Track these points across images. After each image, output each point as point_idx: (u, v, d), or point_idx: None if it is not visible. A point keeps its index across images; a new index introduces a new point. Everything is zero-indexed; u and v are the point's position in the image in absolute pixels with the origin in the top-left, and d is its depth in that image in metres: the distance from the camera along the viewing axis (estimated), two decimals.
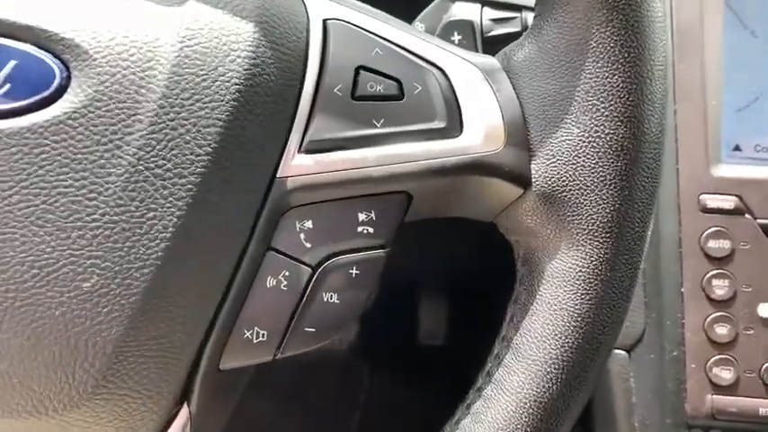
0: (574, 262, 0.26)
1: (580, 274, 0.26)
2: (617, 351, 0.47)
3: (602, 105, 0.26)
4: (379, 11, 0.30)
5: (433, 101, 0.27)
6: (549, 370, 0.26)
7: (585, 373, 0.27)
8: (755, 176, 0.46)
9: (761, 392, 0.46)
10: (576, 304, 0.26)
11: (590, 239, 0.26)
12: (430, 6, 0.38)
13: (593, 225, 0.26)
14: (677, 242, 0.47)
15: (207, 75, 0.25)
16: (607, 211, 0.26)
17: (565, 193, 0.26)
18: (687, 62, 0.47)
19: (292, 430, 0.88)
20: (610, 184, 0.26)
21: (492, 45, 0.34)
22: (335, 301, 0.27)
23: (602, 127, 0.26)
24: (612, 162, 0.26)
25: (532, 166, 0.27)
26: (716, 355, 0.46)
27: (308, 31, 0.27)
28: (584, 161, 0.26)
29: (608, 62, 0.25)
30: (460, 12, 0.36)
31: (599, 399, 0.49)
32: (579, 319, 0.26)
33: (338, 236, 0.27)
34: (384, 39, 0.28)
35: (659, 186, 0.27)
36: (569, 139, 0.26)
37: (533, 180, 0.27)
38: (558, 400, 0.26)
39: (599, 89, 0.26)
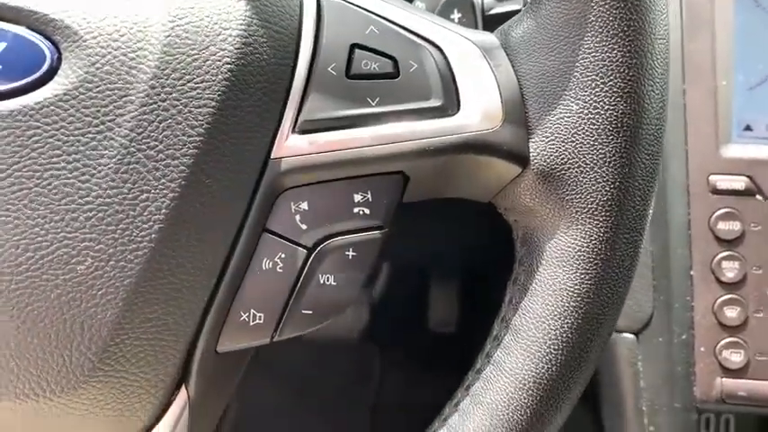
0: (573, 241, 0.26)
1: (580, 253, 0.26)
2: (625, 335, 0.47)
3: (602, 81, 0.25)
4: None
5: (429, 79, 0.27)
6: (548, 351, 0.26)
7: (586, 354, 0.26)
8: (767, 157, 0.45)
9: None
10: (576, 284, 0.26)
11: (590, 218, 0.26)
12: None
13: (592, 203, 0.25)
14: (686, 224, 0.46)
15: (198, 54, 0.25)
16: (607, 189, 0.25)
17: (564, 172, 0.26)
18: (697, 42, 0.46)
19: (307, 415, 0.88)
20: (610, 162, 0.25)
21: (493, 23, 0.34)
22: (332, 282, 0.27)
23: (601, 103, 0.25)
24: (612, 139, 0.25)
25: (531, 144, 0.26)
26: (726, 338, 0.45)
27: (301, 8, 0.27)
28: (583, 138, 0.25)
29: (607, 36, 0.25)
30: None
31: (606, 383, 0.48)
32: (579, 299, 0.26)
33: (334, 217, 0.27)
34: (379, 16, 0.27)
35: (660, 164, 0.26)
36: (568, 116, 0.25)
37: (532, 158, 0.26)
38: (559, 381, 0.26)
39: (598, 64, 0.25)
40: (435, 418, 0.29)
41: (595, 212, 0.25)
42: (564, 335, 0.26)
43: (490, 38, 0.28)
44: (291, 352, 0.91)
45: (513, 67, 0.27)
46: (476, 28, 0.34)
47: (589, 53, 0.25)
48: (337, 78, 0.26)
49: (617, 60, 0.25)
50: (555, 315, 0.26)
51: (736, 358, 0.45)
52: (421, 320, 0.96)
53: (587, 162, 0.25)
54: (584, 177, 0.25)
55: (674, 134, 0.46)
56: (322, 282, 0.27)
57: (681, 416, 0.46)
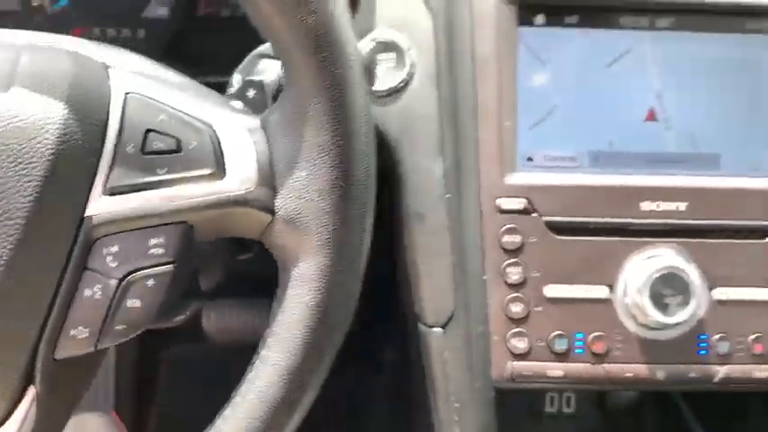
0: (308, 268, 0.36)
1: (312, 276, 0.36)
2: (434, 329, 0.58)
3: (319, 156, 0.35)
4: (183, 79, 0.40)
5: (204, 153, 0.37)
6: (294, 346, 0.36)
7: (322, 347, 0.37)
8: (542, 182, 0.56)
9: (549, 358, 0.56)
10: (310, 298, 0.36)
11: (318, 252, 0.36)
12: (245, 61, 0.47)
13: (319, 242, 0.36)
14: (480, 238, 0.57)
15: (26, 143, 0.34)
16: (327, 231, 0.36)
17: (300, 220, 0.36)
18: (485, 88, 0.57)
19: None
20: (327, 214, 0.36)
21: None
22: (138, 305, 0.36)
23: (319, 173, 0.36)
24: (328, 198, 0.36)
25: (276, 200, 0.37)
26: (513, 329, 0.56)
27: (109, 104, 0.37)
28: (309, 197, 0.36)
29: (321, 127, 0.35)
30: (266, 67, 0.46)
31: (420, 369, 0.59)
32: (314, 309, 0.36)
33: (136, 256, 0.36)
34: (170, 106, 0.37)
35: (369, 214, 0.37)
36: (299, 181, 0.36)
37: (277, 210, 0.37)
38: (303, 366, 0.37)
39: (315, 146, 0.35)
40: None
41: (321, 248, 0.36)
42: (305, 335, 0.36)
43: (255, 121, 0.38)
44: (207, 357, 0.99)
45: (268, 143, 0.37)
46: (266, 103, 0.44)
47: (310, 137, 0.36)
48: (135, 155, 0.36)
49: (327, 143, 0.35)
50: (298, 320, 0.36)
51: (521, 345, 0.56)
52: None
53: (313, 213, 0.36)
54: (312, 224, 0.36)
55: (469, 165, 0.57)
56: (130, 305, 0.36)
57: (480, 393, 0.57)
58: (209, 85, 0.51)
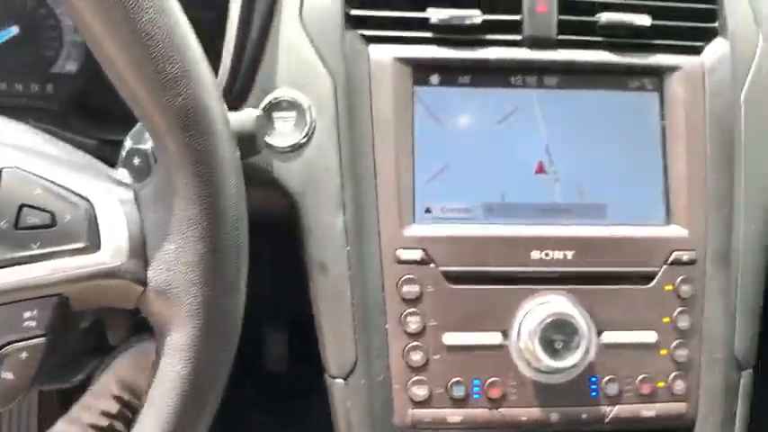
0: (179, 338, 0.37)
1: (183, 346, 0.37)
2: (337, 380, 0.59)
3: (188, 230, 0.37)
4: (63, 150, 0.41)
5: (79, 226, 0.38)
6: (168, 413, 0.37)
7: (196, 413, 0.38)
8: (438, 233, 0.59)
9: (448, 404, 0.58)
10: (182, 367, 0.37)
11: (188, 323, 0.37)
12: (136, 127, 0.48)
13: (188, 313, 0.37)
14: (381, 288, 0.59)
15: None
16: (197, 302, 0.37)
17: (170, 290, 0.37)
18: (384, 146, 0.59)
19: None
20: (196, 285, 0.37)
21: None
22: (10, 377, 0.37)
23: (188, 245, 0.37)
24: (197, 269, 0.37)
25: (148, 271, 0.38)
26: (413, 377, 0.58)
27: None
28: (179, 268, 0.37)
29: (189, 201, 0.37)
30: None
31: (330, 418, 0.60)
32: (186, 378, 0.37)
33: (10, 329, 0.37)
34: (46, 179, 0.38)
35: (241, 282, 0.38)
36: (169, 253, 0.37)
37: (149, 281, 0.38)
38: None
39: (185, 219, 0.37)
40: None
41: (191, 319, 0.37)
42: (175, 403, 0.37)
43: (128, 194, 0.39)
44: None
45: (140, 216, 0.38)
46: (150, 169, 0.45)
47: (179, 210, 0.37)
48: (8, 230, 0.37)
49: (196, 216, 0.37)
50: (169, 390, 0.37)
51: (421, 392, 0.58)
52: (259, 360, 1.08)
53: (183, 285, 0.37)
54: (182, 295, 0.37)
55: (370, 218, 0.59)
56: (3, 377, 0.37)
57: None
58: (116, 142, 0.52)
